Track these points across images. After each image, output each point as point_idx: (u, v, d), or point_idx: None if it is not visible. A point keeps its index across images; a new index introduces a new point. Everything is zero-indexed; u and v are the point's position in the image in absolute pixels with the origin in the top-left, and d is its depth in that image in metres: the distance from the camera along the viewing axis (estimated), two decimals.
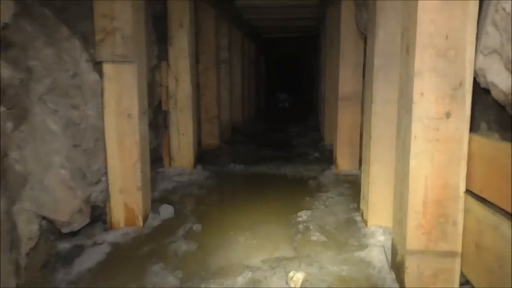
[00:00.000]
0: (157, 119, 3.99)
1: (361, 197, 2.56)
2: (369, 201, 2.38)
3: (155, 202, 2.88)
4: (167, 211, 2.68)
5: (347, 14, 3.59)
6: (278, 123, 8.06)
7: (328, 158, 4.41)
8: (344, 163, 3.77)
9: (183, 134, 3.86)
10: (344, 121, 3.73)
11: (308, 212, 2.72)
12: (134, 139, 2.41)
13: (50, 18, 2.36)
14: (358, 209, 2.70)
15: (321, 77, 6.88)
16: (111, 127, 2.40)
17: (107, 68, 2.35)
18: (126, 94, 2.37)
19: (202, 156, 4.53)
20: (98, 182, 2.55)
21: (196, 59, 4.87)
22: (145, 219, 2.54)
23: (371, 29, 2.40)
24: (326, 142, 5.13)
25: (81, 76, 2.42)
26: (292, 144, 5.50)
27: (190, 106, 3.85)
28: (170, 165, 3.90)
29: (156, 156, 4.03)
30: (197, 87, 4.60)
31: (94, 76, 2.47)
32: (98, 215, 2.64)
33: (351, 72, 3.69)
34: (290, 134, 6.52)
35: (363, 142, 2.55)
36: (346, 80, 3.70)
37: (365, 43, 3.55)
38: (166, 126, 3.88)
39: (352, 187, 3.28)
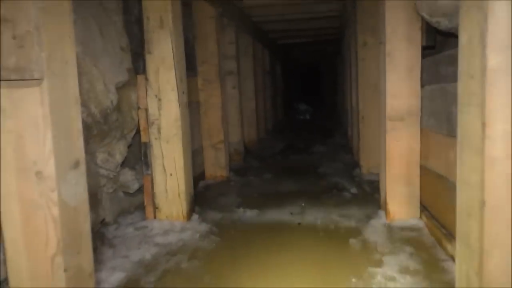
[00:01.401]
0: (135, 154, 2.96)
1: None
2: None
3: None
4: None
5: None
6: (299, 140, 6.95)
7: (370, 196, 3.28)
8: (397, 209, 2.63)
9: (171, 174, 2.81)
10: (396, 150, 2.61)
11: None
12: (50, 214, 1.36)
13: None
14: None
15: (348, 87, 5.75)
16: (10, 195, 1.36)
17: None
18: (31, 137, 1.33)
19: (202, 195, 3.49)
20: None
21: (193, 70, 3.87)
22: None
23: (475, 4, 1.31)
24: (363, 170, 3.99)
25: None
26: (318, 172, 4.36)
27: (179, 134, 2.80)
28: (155, 216, 2.85)
29: (138, 205, 3.00)
30: (194, 107, 3.58)
31: None
32: None
33: (404, 80, 2.58)
34: (315, 156, 5.40)
35: (458, 205, 1.43)
36: (396, 91, 2.59)
37: (426, 36, 2.46)
38: (148, 164, 2.85)
39: (418, 254, 2.15)
